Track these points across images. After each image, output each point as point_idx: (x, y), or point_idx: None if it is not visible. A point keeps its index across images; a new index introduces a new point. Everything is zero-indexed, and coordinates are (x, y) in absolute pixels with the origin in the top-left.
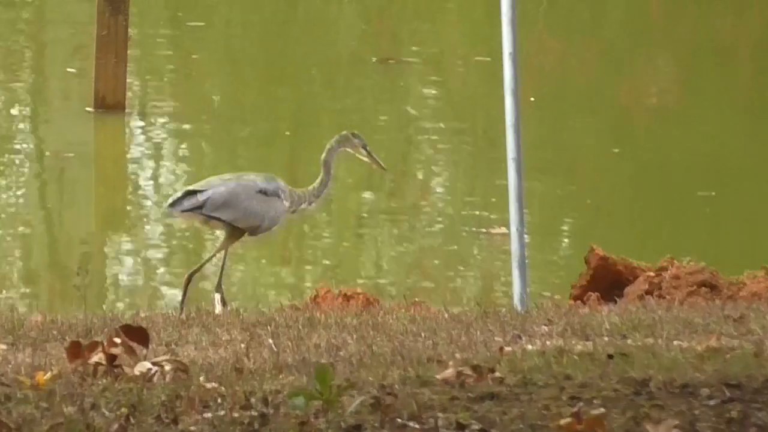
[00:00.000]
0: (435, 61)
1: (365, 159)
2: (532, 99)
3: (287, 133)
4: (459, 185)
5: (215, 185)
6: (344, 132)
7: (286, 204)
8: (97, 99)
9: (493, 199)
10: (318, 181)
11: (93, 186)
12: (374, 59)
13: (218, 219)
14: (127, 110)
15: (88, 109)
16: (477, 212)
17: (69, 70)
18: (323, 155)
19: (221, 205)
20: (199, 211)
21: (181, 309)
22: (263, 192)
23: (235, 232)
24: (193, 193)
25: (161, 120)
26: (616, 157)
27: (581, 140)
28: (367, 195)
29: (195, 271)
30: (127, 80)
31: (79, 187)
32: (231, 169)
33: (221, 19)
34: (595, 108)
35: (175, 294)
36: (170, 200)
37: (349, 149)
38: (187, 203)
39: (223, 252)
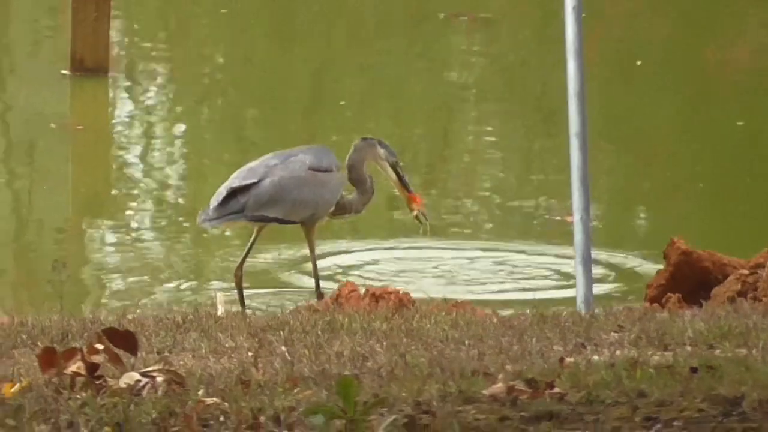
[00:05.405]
0: (514, 17)
1: (391, 178)
2: (639, 62)
3: (342, 102)
4: (515, 165)
5: (260, 174)
6: (369, 137)
7: (339, 177)
8: (74, 60)
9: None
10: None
11: (70, 163)
12: (442, 15)
13: (264, 218)
14: (110, 73)
15: (63, 71)
16: (535, 197)
17: (42, 25)
18: (347, 160)
19: (266, 203)
20: (241, 214)
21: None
22: (314, 169)
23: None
24: (237, 191)
25: (152, 85)
26: (702, 130)
27: (664, 110)
28: None
29: (242, 263)
30: (111, 37)
31: (53, 164)
32: (237, 146)
33: None
34: (689, 74)
35: (168, 291)
36: (213, 204)
37: (373, 161)
38: (228, 208)
39: (250, 241)
